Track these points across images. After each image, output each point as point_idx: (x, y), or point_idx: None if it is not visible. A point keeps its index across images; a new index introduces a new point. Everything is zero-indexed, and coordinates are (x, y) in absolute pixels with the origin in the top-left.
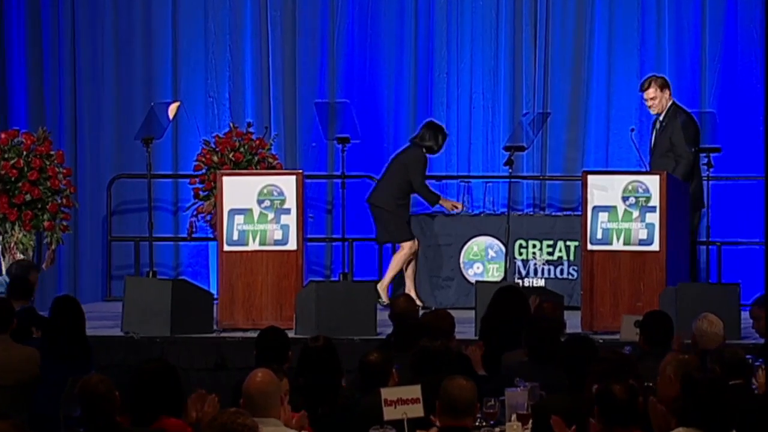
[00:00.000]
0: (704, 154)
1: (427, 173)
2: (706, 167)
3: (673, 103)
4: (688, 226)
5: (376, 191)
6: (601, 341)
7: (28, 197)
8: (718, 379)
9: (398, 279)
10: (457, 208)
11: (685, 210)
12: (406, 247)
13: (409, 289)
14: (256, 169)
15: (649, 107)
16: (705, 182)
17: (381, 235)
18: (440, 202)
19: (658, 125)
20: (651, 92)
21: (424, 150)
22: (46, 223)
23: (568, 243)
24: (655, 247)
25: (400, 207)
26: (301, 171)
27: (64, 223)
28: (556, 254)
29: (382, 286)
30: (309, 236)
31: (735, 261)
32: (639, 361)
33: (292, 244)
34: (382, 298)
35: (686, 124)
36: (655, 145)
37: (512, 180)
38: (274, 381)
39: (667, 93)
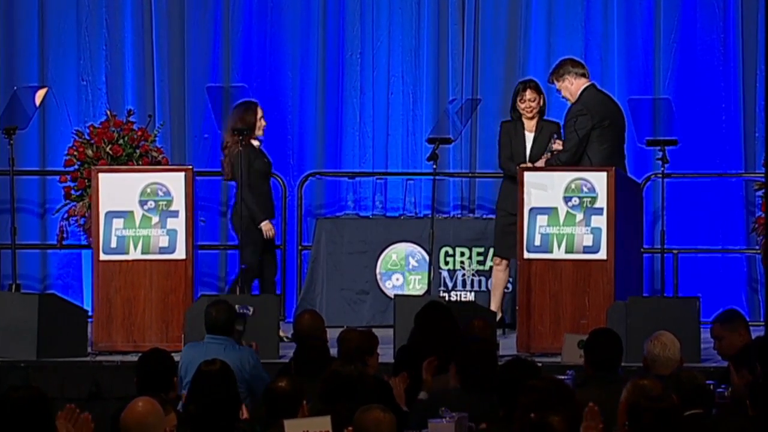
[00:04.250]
0: (659, 148)
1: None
2: (660, 162)
3: (590, 86)
4: (640, 231)
5: None
6: (539, 365)
7: None
8: (669, 409)
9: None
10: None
11: (637, 212)
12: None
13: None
14: (138, 164)
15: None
16: (660, 180)
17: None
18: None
19: None
20: (557, 87)
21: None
22: None
23: None
24: (602, 255)
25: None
26: (190, 167)
27: None
28: (488, 264)
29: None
30: (200, 243)
31: (693, 271)
32: (583, 388)
33: (180, 253)
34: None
35: (582, 106)
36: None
37: (437, 177)
38: (156, 411)
39: (566, 81)
